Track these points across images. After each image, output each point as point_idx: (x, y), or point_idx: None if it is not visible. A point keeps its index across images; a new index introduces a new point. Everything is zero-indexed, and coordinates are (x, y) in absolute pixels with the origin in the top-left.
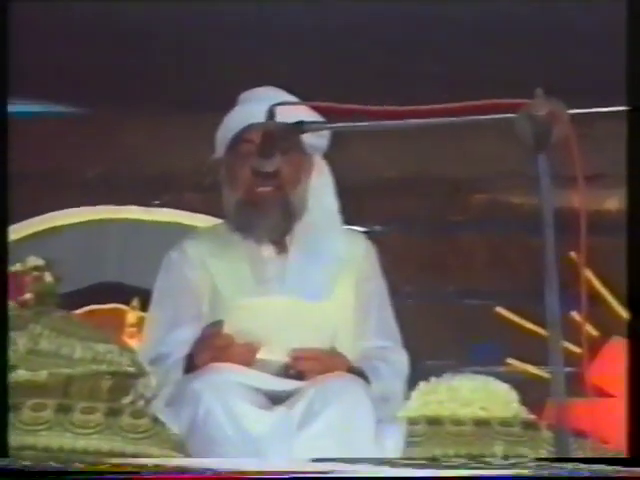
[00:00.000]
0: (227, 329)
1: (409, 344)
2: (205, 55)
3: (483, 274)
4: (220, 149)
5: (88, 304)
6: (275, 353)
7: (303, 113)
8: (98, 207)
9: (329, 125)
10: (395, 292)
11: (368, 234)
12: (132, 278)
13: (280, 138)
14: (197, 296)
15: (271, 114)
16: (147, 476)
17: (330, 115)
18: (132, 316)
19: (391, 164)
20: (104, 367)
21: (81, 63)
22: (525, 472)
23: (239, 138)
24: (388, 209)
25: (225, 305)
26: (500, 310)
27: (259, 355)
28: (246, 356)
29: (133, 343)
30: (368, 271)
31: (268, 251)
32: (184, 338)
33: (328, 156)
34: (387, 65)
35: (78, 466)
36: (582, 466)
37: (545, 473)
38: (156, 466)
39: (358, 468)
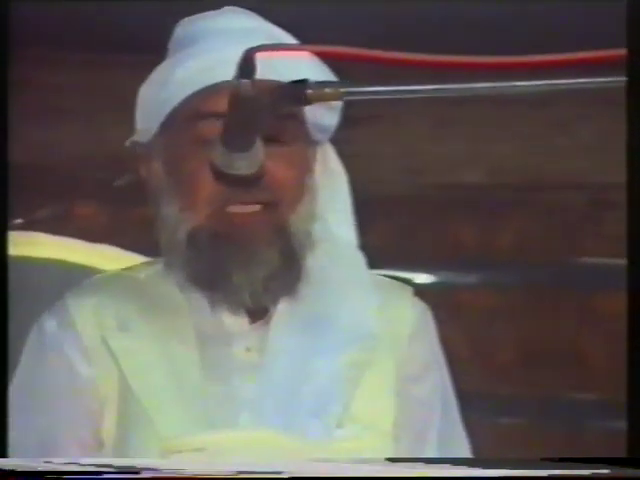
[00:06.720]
0: None
1: None
2: None
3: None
4: (147, 128)
5: None
6: None
7: (302, 63)
8: None
9: (368, 89)
10: (474, 398)
11: (421, 287)
12: None
13: (265, 111)
14: (93, 408)
15: (247, 66)
16: (147, 476)
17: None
18: None
19: (471, 158)
20: None
21: None
22: (525, 472)
23: (188, 111)
24: (466, 239)
25: (146, 434)
26: None
27: None
28: None
29: None
30: (421, 360)
31: (235, 318)
32: None
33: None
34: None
35: (78, 467)
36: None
37: (545, 473)
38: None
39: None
